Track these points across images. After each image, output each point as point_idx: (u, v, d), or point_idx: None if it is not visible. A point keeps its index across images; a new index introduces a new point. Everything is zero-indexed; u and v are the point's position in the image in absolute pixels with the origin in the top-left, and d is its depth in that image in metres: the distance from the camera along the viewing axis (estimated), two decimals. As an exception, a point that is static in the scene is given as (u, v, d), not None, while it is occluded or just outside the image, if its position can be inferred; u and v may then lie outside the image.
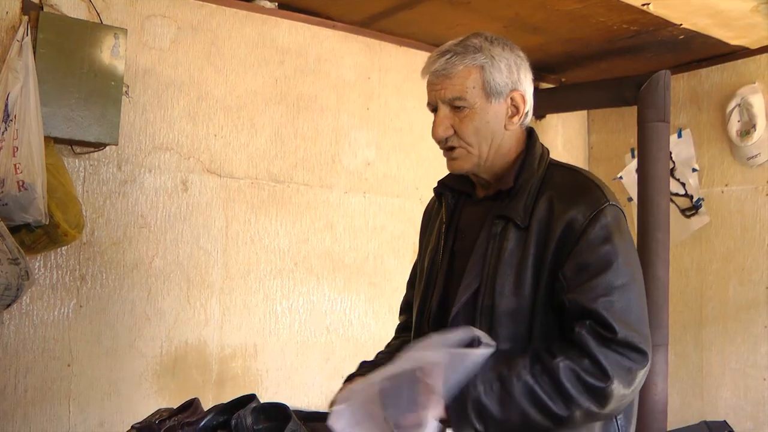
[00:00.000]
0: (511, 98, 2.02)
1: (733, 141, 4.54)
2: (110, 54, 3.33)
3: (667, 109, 4.32)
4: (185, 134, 3.80)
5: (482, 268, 1.98)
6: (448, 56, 1.99)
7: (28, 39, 3.12)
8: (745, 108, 4.44)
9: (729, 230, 4.65)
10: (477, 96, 1.98)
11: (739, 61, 4.58)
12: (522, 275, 1.93)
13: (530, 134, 2.11)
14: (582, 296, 1.86)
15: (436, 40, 4.42)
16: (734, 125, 4.50)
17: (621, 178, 5.07)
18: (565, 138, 5.40)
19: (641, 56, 4.61)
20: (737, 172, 4.61)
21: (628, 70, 4.71)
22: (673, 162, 4.73)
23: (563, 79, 5.29)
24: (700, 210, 4.73)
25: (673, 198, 4.69)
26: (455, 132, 2.01)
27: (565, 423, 1.84)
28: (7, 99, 3.02)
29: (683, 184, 4.79)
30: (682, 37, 4.26)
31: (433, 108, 2.05)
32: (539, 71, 5.13)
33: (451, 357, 1.76)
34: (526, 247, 1.94)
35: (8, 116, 2.99)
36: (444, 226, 2.15)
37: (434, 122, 2.03)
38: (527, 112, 2.06)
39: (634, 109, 4.43)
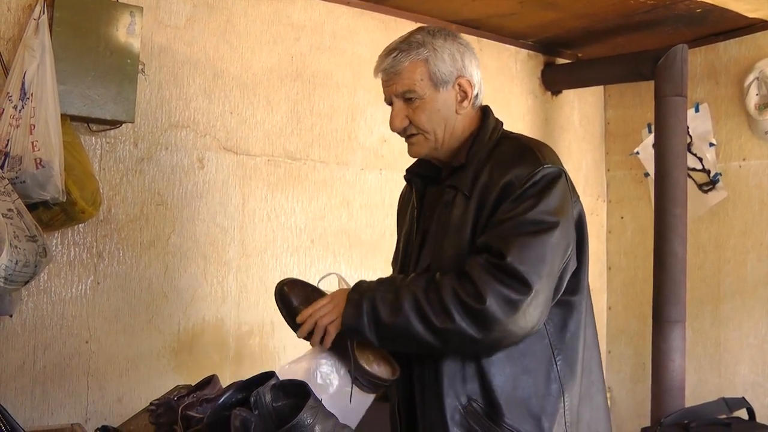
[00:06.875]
0: (459, 84, 2.18)
1: (751, 115, 4.50)
2: (126, 32, 3.33)
3: (684, 84, 4.29)
4: (201, 112, 3.80)
5: (435, 235, 2.16)
6: (394, 54, 2.16)
7: (44, 17, 3.12)
8: (764, 81, 4.41)
9: (747, 205, 4.62)
10: (425, 87, 2.15)
11: (758, 34, 4.54)
12: (462, 238, 2.07)
13: (484, 112, 2.27)
14: (487, 235, 1.99)
15: (452, 16, 4.41)
16: (752, 99, 4.47)
17: (638, 153, 5.04)
18: (582, 113, 5.37)
19: (658, 31, 4.57)
20: (755, 147, 4.58)
21: (644, 45, 4.67)
22: (691, 137, 4.69)
23: (579, 55, 5.26)
24: (718, 185, 4.70)
25: (691, 173, 4.65)
26: (411, 122, 2.19)
27: (445, 340, 1.94)
28: (23, 77, 3.02)
29: (700, 159, 4.75)
30: (699, 10, 4.21)
31: (389, 103, 2.22)
32: (555, 47, 5.11)
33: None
34: (467, 213, 2.08)
35: (25, 94, 3.00)
36: (416, 210, 2.33)
37: (391, 115, 2.20)
38: (476, 95, 2.22)
39: (651, 84, 4.41)
